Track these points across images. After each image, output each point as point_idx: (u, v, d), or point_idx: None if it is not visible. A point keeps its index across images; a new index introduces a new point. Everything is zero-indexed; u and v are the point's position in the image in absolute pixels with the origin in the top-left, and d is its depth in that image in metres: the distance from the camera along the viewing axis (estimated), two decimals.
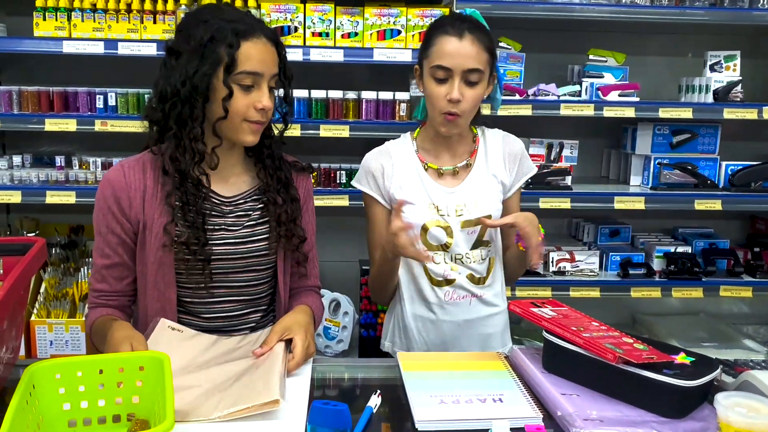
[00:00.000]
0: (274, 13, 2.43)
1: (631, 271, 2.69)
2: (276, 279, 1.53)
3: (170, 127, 1.37)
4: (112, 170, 1.44)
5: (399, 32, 2.45)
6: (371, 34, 2.45)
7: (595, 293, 2.64)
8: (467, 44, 1.51)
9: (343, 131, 2.46)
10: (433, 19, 2.43)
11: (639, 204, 2.58)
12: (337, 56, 2.43)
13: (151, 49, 2.38)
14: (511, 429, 1.08)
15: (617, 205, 2.57)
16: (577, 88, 2.60)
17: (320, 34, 2.45)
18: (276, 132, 1.54)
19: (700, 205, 2.59)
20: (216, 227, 1.44)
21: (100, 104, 2.49)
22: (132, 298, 1.49)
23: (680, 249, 2.76)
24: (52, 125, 2.41)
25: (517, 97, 2.53)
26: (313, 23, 2.44)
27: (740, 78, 2.63)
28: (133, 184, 1.41)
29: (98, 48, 2.38)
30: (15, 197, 2.43)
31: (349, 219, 2.62)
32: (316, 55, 2.42)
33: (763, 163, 2.67)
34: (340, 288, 2.67)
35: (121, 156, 2.53)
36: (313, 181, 1.64)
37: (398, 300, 1.72)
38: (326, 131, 2.45)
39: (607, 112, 2.51)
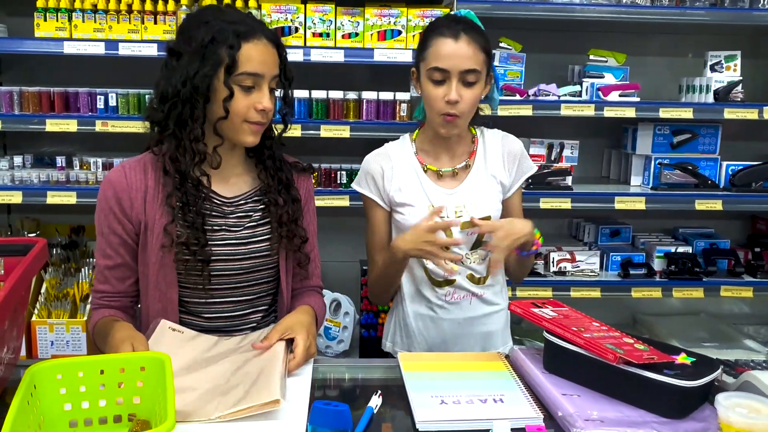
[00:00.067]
0: (274, 14, 2.43)
1: (631, 272, 2.69)
2: (278, 279, 1.54)
3: (171, 128, 1.38)
4: (114, 171, 1.44)
5: (399, 33, 2.45)
6: (372, 35, 2.45)
7: (595, 293, 2.64)
8: (463, 45, 1.52)
9: (343, 131, 2.46)
10: (434, 19, 2.43)
11: (639, 204, 2.58)
12: (338, 57, 2.43)
13: (151, 50, 2.38)
14: (511, 429, 1.08)
15: (618, 206, 2.57)
16: (577, 88, 2.60)
17: (321, 35, 2.45)
18: (276, 133, 1.54)
19: (700, 205, 2.58)
20: (217, 228, 1.44)
21: (100, 105, 2.49)
22: (134, 298, 1.49)
23: (681, 249, 2.76)
24: (52, 126, 2.41)
25: (518, 97, 2.52)
26: (314, 24, 2.44)
27: (741, 78, 2.63)
28: (134, 184, 1.42)
29: (99, 48, 2.38)
30: (16, 197, 2.43)
31: (350, 219, 2.62)
32: (316, 56, 2.42)
33: (764, 163, 2.67)
34: (341, 288, 2.67)
35: (121, 156, 2.53)
36: (313, 181, 1.64)
37: (399, 300, 1.72)
38: (327, 131, 2.45)
39: (608, 113, 2.51)
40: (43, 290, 2.36)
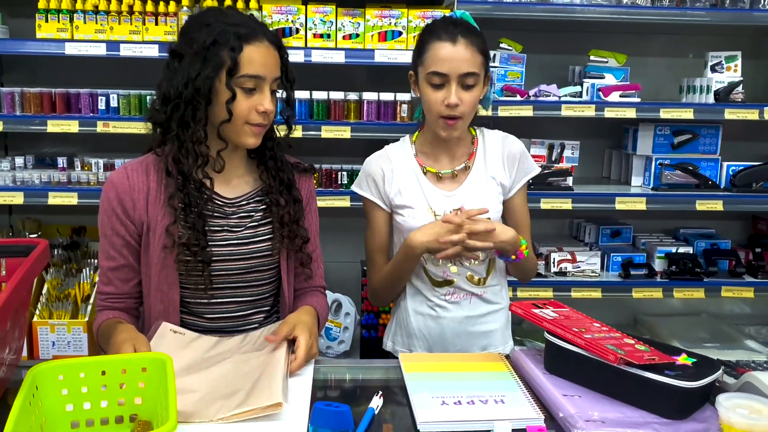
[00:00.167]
0: (275, 15, 2.43)
1: (632, 272, 2.69)
2: (280, 280, 1.54)
3: (173, 129, 1.38)
4: (116, 173, 1.45)
5: (400, 33, 2.45)
6: (372, 36, 2.45)
7: (596, 294, 2.64)
8: (461, 49, 1.51)
9: (344, 132, 2.46)
10: (429, 22, 2.43)
11: (640, 204, 2.58)
12: (339, 57, 2.43)
13: (152, 51, 2.38)
14: (512, 430, 1.09)
15: (618, 206, 2.57)
16: (578, 88, 2.61)
17: (321, 36, 2.45)
18: (279, 134, 1.54)
19: (701, 205, 2.59)
20: (218, 228, 1.45)
21: (102, 105, 2.49)
22: (139, 300, 1.50)
23: (682, 249, 2.76)
24: (54, 126, 2.42)
25: (518, 98, 2.53)
26: (315, 25, 2.44)
27: (741, 78, 2.63)
28: (136, 186, 1.42)
29: (100, 49, 2.39)
30: (17, 198, 2.43)
31: (351, 220, 2.62)
32: (317, 57, 2.42)
33: (765, 163, 2.67)
34: (342, 289, 2.68)
35: (122, 157, 2.54)
36: (314, 181, 1.65)
37: (400, 299, 1.72)
38: (327, 132, 2.46)
39: (608, 113, 2.51)
40: (44, 291, 2.37)
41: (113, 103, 2.48)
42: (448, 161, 1.67)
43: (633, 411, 1.14)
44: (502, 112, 2.48)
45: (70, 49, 2.38)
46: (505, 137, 1.71)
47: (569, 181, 2.62)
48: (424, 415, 1.14)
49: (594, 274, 2.69)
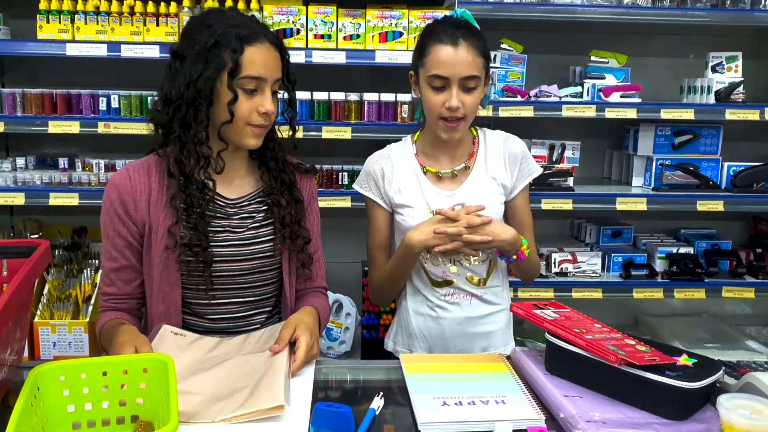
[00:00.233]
0: (276, 16, 2.43)
1: (633, 272, 2.69)
2: (281, 281, 1.54)
3: (174, 130, 1.38)
4: (118, 174, 1.45)
5: (401, 34, 2.45)
6: (373, 36, 2.45)
7: (597, 294, 2.64)
8: (463, 52, 1.51)
9: (345, 133, 2.46)
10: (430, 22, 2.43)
11: (641, 205, 2.58)
12: (339, 58, 2.43)
13: (154, 52, 2.38)
14: (513, 431, 1.09)
15: (619, 206, 2.57)
16: (578, 89, 2.61)
17: (322, 36, 2.45)
18: (280, 135, 1.54)
19: (702, 206, 2.58)
20: (220, 229, 1.45)
21: (103, 106, 2.49)
22: (141, 300, 1.50)
23: (682, 250, 2.76)
24: (55, 127, 2.42)
25: (519, 98, 2.53)
26: (315, 25, 2.45)
27: (742, 79, 2.63)
28: (138, 186, 1.42)
29: (101, 50, 2.39)
30: (18, 199, 2.44)
31: (351, 220, 2.62)
32: (318, 57, 2.42)
33: (765, 164, 2.66)
34: (342, 289, 2.68)
35: (124, 158, 2.54)
36: (315, 182, 1.65)
37: (401, 300, 1.73)
38: (328, 133, 2.46)
39: (609, 114, 2.51)
40: (45, 291, 2.37)
41: (114, 104, 2.49)
42: (449, 161, 1.67)
43: (634, 411, 1.14)
44: (503, 112, 2.48)
45: (71, 49, 2.38)
46: (507, 137, 1.71)
47: (570, 181, 2.62)
48: (425, 416, 1.15)
49: (595, 275, 2.69)
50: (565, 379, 1.26)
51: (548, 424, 1.15)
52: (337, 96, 2.52)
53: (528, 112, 2.49)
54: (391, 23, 2.44)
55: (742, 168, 2.67)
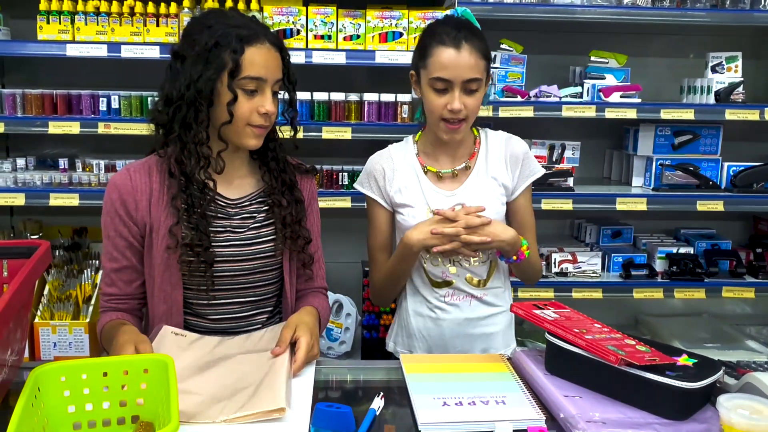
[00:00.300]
0: (276, 16, 2.43)
1: (633, 272, 2.69)
2: (282, 281, 1.54)
3: (175, 130, 1.39)
4: (119, 174, 1.45)
5: (401, 34, 2.46)
6: (373, 37, 2.46)
7: (597, 294, 2.64)
8: (465, 55, 1.50)
9: (345, 133, 2.46)
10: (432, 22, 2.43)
11: (641, 205, 2.58)
12: (340, 59, 2.43)
13: (154, 52, 2.39)
14: (513, 431, 1.09)
15: (619, 207, 2.57)
16: (578, 89, 2.61)
17: (322, 37, 2.46)
18: (281, 135, 1.55)
19: (702, 206, 2.59)
20: (221, 229, 1.45)
21: (103, 107, 2.50)
22: (142, 301, 1.50)
23: (682, 250, 2.76)
24: (55, 128, 2.42)
25: (519, 98, 2.53)
26: (316, 26, 2.45)
27: (742, 79, 2.63)
28: (139, 187, 1.43)
29: (101, 51, 2.39)
30: (19, 199, 2.44)
31: (352, 220, 2.62)
32: (318, 58, 2.42)
33: (765, 164, 2.67)
34: (343, 289, 2.68)
35: (124, 158, 2.54)
36: (316, 183, 1.65)
37: (402, 300, 1.72)
38: (328, 133, 2.46)
39: (609, 114, 2.52)
40: (45, 292, 2.37)
41: (114, 105, 2.49)
42: (449, 161, 1.67)
43: (634, 412, 1.14)
44: (503, 112, 2.48)
45: (72, 50, 2.38)
46: (508, 138, 1.70)
47: (570, 181, 2.62)
48: (426, 416, 1.15)
49: (595, 275, 2.69)
50: (565, 379, 1.26)
51: (548, 424, 1.15)
52: (337, 96, 2.52)
53: (528, 112, 2.49)
54: (391, 23, 2.45)
55: (742, 168, 2.67)
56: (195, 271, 1.42)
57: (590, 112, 2.51)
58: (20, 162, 2.59)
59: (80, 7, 2.42)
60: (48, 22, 2.40)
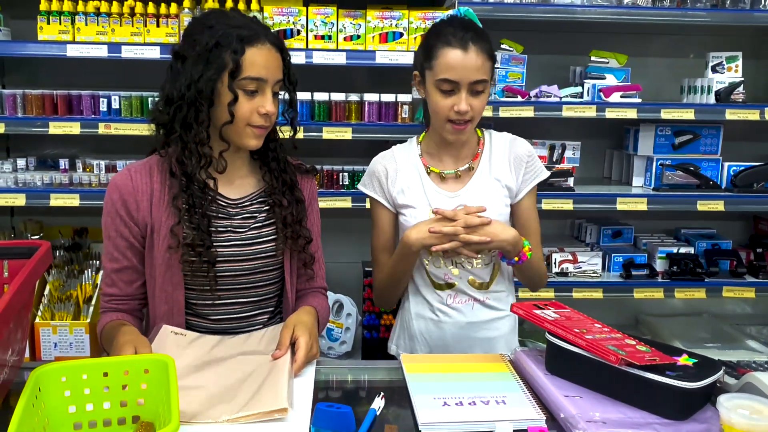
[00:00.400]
0: (276, 17, 2.43)
1: (633, 272, 2.69)
2: (283, 281, 1.54)
3: (176, 130, 1.39)
4: (119, 174, 1.46)
5: (401, 35, 2.46)
6: (373, 37, 2.46)
7: (597, 294, 2.64)
8: (473, 56, 1.49)
9: (345, 133, 2.47)
10: (435, 21, 2.43)
11: (641, 205, 2.58)
12: (340, 59, 2.44)
13: (154, 53, 2.39)
14: (514, 431, 1.09)
15: (620, 206, 2.57)
16: (579, 89, 2.61)
17: (323, 37, 2.46)
18: (282, 136, 1.55)
19: (702, 205, 2.59)
20: (222, 229, 1.45)
21: (103, 107, 2.50)
22: (142, 301, 1.50)
23: (683, 250, 2.76)
24: (56, 128, 2.42)
25: (519, 99, 2.53)
26: (316, 26, 2.45)
27: (742, 79, 2.63)
28: (140, 187, 1.43)
29: (102, 51, 2.39)
30: (19, 200, 2.44)
31: (352, 220, 2.63)
32: (318, 58, 2.43)
33: (766, 163, 2.67)
34: (343, 289, 2.68)
35: (124, 159, 2.54)
36: (316, 183, 1.65)
37: (404, 301, 1.72)
38: (329, 133, 2.46)
39: (609, 114, 2.52)
40: (46, 292, 2.37)
41: (115, 105, 2.49)
42: (453, 162, 1.66)
43: (634, 411, 1.14)
44: (503, 113, 2.48)
45: (72, 51, 2.38)
46: (513, 139, 1.69)
47: (570, 181, 2.62)
48: (426, 416, 1.15)
49: (595, 275, 2.69)
50: (566, 379, 1.26)
51: (549, 424, 1.15)
52: (338, 96, 2.52)
53: (528, 112, 2.50)
54: (391, 24, 2.45)
55: (743, 168, 2.67)
56: (197, 271, 1.42)
57: (590, 112, 2.52)
58: (21, 162, 2.59)
59: (80, 7, 2.42)
60: (48, 23, 2.40)
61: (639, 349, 1.21)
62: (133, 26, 2.42)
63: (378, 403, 1.19)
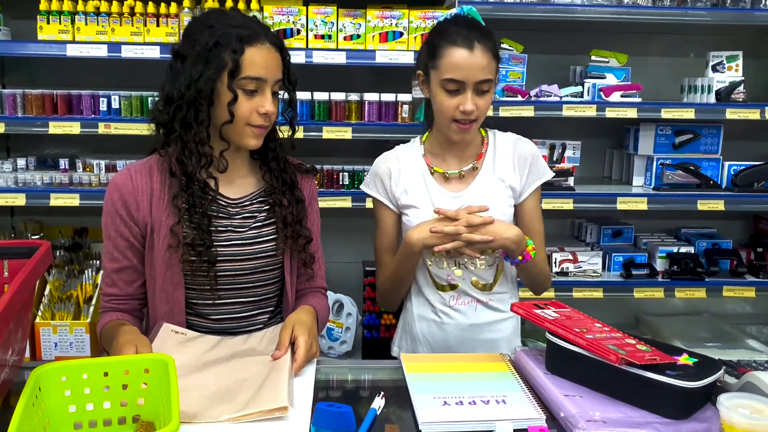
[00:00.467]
0: (276, 16, 2.43)
1: (634, 272, 2.69)
2: (283, 280, 1.54)
3: (176, 130, 1.39)
4: (119, 174, 1.46)
5: (401, 34, 2.46)
6: (373, 37, 2.46)
7: (598, 294, 2.64)
8: (479, 55, 1.48)
9: (345, 133, 2.46)
10: (435, 21, 2.43)
11: (642, 204, 2.58)
12: (340, 58, 2.44)
13: (154, 52, 2.39)
14: (514, 430, 1.09)
15: (620, 206, 2.57)
16: (579, 89, 2.61)
17: (323, 37, 2.46)
18: (281, 135, 1.55)
19: (702, 205, 2.59)
20: (222, 229, 1.45)
21: (103, 107, 2.50)
22: (142, 301, 1.50)
23: (683, 249, 2.76)
24: (56, 128, 2.42)
25: (520, 98, 2.53)
26: (316, 26, 2.45)
27: (742, 78, 2.63)
28: (140, 187, 1.43)
29: (102, 51, 2.39)
30: (19, 200, 2.44)
31: (352, 220, 2.63)
32: (318, 58, 2.43)
33: (766, 163, 2.67)
34: (343, 289, 2.68)
35: (124, 158, 2.55)
36: (316, 183, 1.65)
37: (407, 303, 1.72)
38: (329, 133, 2.46)
39: (610, 113, 2.52)
40: (46, 292, 2.37)
41: (115, 105, 2.49)
42: (456, 162, 1.65)
43: (634, 411, 1.14)
44: (504, 112, 2.48)
45: (72, 50, 2.39)
46: (517, 139, 1.68)
47: (571, 181, 2.62)
48: (426, 416, 1.15)
49: (595, 274, 2.69)
50: (566, 378, 1.26)
51: (549, 423, 1.15)
52: (338, 96, 2.52)
53: (528, 111, 2.50)
54: (391, 23, 2.45)
55: (743, 167, 2.67)
56: (197, 271, 1.42)
57: (591, 112, 2.52)
58: (21, 162, 2.59)
59: (80, 7, 2.42)
60: (48, 22, 2.40)
61: (639, 348, 1.21)
62: (133, 26, 2.42)
63: (378, 403, 1.19)
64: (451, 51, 1.50)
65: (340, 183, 2.58)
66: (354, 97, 2.53)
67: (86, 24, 2.41)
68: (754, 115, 2.54)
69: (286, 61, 1.44)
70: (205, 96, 1.35)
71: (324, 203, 2.42)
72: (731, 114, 2.54)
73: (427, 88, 1.59)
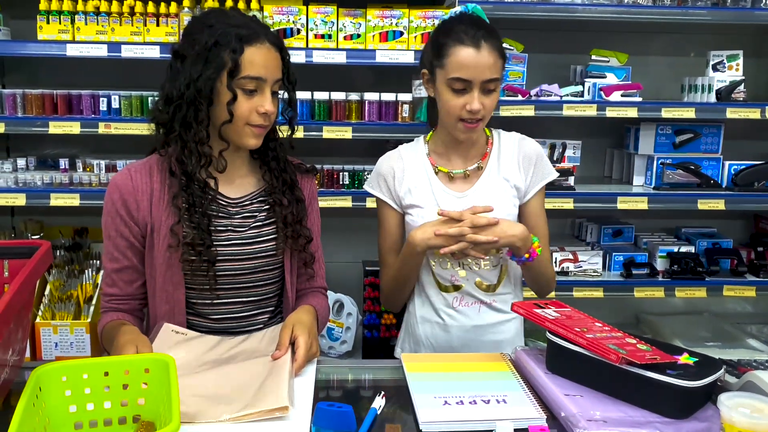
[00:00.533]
0: (276, 16, 2.43)
1: (634, 271, 2.69)
2: (283, 280, 1.54)
3: (175, 130, 1.39)
4: (119, 174, 1.46)
5: (401, 34, 2.46)
6: (374, 36, 2.45)
7: (598, 293, 2.64)
8: (485, 54, 1.47)
9: (346, 132, 2.46)
10: (436, 20, 2.43)
11: (642, 204, 2.58)
12: (340, 58, 2.43)
13: (154, 52, 2.39)
14: (514, 430, 1.09)
15: (620, 205, 2.57)
16: (579, 88, 2.61)
17: (323, 36, 2.46)
18: (281, 135, 1.55)
19: (703, 204, 2.58)
20: (223, 228, 1.45)
21: (103, 107, 2.50)
22: (143, 301, 1.50)
23: (683, 249, 2.76)
24: (56, 128, 2.42)
25: (520, 97, 2.53)
26: (316, 25, 2.45)
27: (743, 77, 2.63)
28: (140, 187, 1.43)
29: (102, 51, 2.39)
30: (19, 200, 2.44)
31: (352, 220, 2.63)
32: (318, 57, 2.42)
33: (766, 162, 2.67)
34: (343, 289, 2.68)
35: (124, 158, 2.54)
36: (316, 182, 1.65)
37: (410, 305, 1.71)
38: (329, 133, 2.46)
39: (610, 113, 2.51)
40: (46, 292, 2.37)
41: (115, 105, 2.49)
42: (461, 161, 1.64)
43: (635, 410, 1.14)
44: (504, 111, 2.48)
45: (72, 50, 2.38)
46: (522, 139, 1.67)
47: (571, 180, 2.62)
48: (427, 415, 1.15)
49: (596, 274, 2.69)
50: (566, 378, 1.26)
51: (549, 423, 1.15)
52: (338, 96, 2.52)
53: (529, 111, 2.49)
54: (391, 23, 2.45)
55: (743, 167, 2.67)
56: (197, 270, 1.42)
57: (591, 111, 2.51)
58: (21, 162, 2.59)
59: (80, 7, 2.42)
60: (48, 22, 2.40)
61: (639, 348, 1.21)
62: (132, 26, 2.42)
63: (379, 403, 1.19)
64: (457, 50, 1.49)
65: (341, 183, 2.58)
66: (354, 96, 2.53)
67: (86, 24, 2.41)
68: (754, 114, 2.54)
69: (285, 61, 1.44)
70: (204, 95, 1.35)
71: (324, 203, 2.42)
72: (732, 113, 2.54)
73: (432, 86, 1.58)
